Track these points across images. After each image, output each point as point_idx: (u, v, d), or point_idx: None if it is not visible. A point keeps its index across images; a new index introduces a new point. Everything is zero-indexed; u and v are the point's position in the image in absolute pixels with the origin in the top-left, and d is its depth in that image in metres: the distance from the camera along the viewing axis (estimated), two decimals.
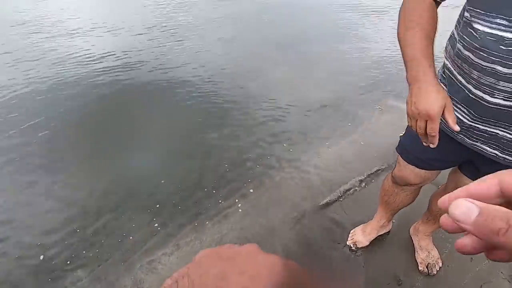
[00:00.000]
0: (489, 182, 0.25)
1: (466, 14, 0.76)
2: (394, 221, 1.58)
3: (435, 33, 0.80)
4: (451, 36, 0.87)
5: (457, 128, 0.72)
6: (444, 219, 0.26)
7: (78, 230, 1.68)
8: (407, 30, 0.79)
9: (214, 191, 1.90)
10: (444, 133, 0.93)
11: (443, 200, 0.26)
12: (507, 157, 0.82)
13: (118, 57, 3.64)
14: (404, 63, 0.79)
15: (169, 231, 1.67)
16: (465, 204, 0.23)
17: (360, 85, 3.08)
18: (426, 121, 0.72)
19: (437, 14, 0.81)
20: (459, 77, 0.81)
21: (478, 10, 0.73)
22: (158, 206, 1.81)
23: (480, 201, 0.23)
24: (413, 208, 1.45)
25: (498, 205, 0.23)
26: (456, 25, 0.83)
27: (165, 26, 4.55)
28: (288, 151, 2.22)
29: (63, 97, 2.86)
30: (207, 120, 2.58)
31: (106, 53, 3.70)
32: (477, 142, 0.85)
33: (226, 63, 3.51)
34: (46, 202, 1.84)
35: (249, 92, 2.99)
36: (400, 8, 0.85)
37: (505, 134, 0.77)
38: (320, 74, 3.32)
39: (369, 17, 4.98)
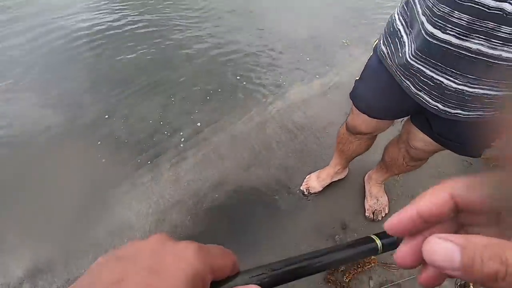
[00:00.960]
0: (440, 198, 0.22)
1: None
2: (350, 168, 1.57)
3: None
4: None
5: None
6: (424, 276, 0.22)
7: None
8: None
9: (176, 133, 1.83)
10: (394, 80, 0.84)
11: (390, 224, 0.23)
12: (448, 109, 0.74)
13: None
14: None
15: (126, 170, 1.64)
16: (442, 245, 0.19)
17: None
18: None
19: None
20: (417, 6, 0.70)
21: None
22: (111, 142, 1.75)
23: (433, 220, 0.22)
24: (371, 156, 1.42)
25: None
26: None
27: None
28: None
29: None
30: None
31: None
32: (421, 91, 0.77)
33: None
34: None
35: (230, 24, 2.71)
36: None
37: (450, 83, 0.68)
38: None
39: None
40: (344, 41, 2.64)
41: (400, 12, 0.82)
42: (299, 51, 2.53)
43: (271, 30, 2.78)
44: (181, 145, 1.78)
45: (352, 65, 2.41)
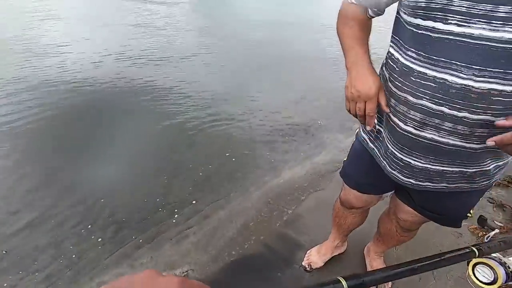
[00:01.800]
0: None
1: (391, 41, 0.81)
2: (349, 241, 1.62)
3: (369, 31, 0.88)
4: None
5: (387, 109, 0.79)
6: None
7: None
8: (345, 26, 0.87)
9: (175, 211, 1.90)
10: (375, 160, 1.00)
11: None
12: (420, 183, 0.87)
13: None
14: (344, 52, 0.86)
15: (125, 251, 1.64)
16: None
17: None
18: (365, 102, 0.78)
19: (371, 21, 0.88)
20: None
21: (397, 38, 0.78)
22: (113, 223, 1.78)
23: None
24: (369, 229, 1.50)
25: None
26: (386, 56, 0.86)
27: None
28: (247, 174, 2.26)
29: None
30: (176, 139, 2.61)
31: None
32: (394, 170, 0.90)
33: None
34: None
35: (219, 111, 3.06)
36: (339, 11, 0.91)
37: (416, 163, 0.82)
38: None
39: None
40: (320, 122, 2.99)
41: None
42: (290, 135, 2.82)
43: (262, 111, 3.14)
44: (179, 224, 1.82)
45: (339, 147, 2.70)
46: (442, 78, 0.66)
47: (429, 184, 0.87)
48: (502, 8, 0.57)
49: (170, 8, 7.60)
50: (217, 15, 7.73)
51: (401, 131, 0.79)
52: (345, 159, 1.21)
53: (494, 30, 0.58)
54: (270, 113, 3.14)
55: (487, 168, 0.81)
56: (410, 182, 0.88)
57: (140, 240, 1.71)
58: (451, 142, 0.72)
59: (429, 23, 0.65)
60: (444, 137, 0.72)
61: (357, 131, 1.14)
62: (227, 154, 2.46)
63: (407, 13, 0.71)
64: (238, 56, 4.73)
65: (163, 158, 2.39)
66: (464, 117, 0.67)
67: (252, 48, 5.11)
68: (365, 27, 0.86)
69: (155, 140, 2.62)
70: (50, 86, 3.32)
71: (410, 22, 0.70)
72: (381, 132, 0.92)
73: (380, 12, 0.85)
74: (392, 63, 0.79)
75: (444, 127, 0.70)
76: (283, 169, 2.36)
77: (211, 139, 2.65)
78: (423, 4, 0.65)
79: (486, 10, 0.58)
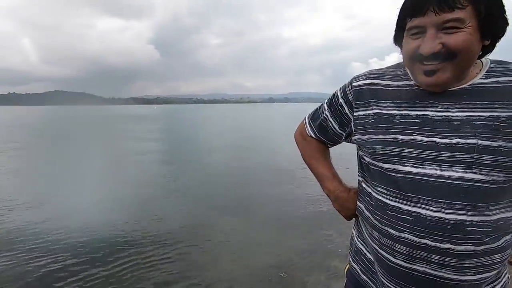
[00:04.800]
0: None
1: (359, 175, 0.86)
2: None
3: (329, 154, 1.02)
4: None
5: None
6: None
7: None
8: (311, 158, 1.00)
9: None
10: None
11: None
12: None
13: None
14: (317, 179, 0.99)
15: None
16: None
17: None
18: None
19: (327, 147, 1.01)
20: (367, 236, 0.82)
21: (365, 174, 0.82)
22: None
23: None
24: None
25: None
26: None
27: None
28: None
29: None
30: None
31: None
32: None
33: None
34: None
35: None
36: (299, 134, 1.04)
37: None
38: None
39: None
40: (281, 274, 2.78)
41: (357, 236, 0.90)
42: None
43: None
44: None
45: None
46: (416, 212, 0.68)
47: None
48: (445, 153, 0.65)
49: None
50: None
51: (392, 264, 0.73)
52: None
53: (444, 170, 0.65)
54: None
55: None
56: None
57: None
58: (446, 275, 0.67)
59: (390, 166, 0.71)
60: (437, 270, 0.67)
61: (346, 267, 0.98)
62: None
63: (368, 157, 0.76)
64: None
65: None
66: (449, 249, 0.66)
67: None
68: (327, 153, 1.01)
69: None
70: None
71: (373, 163, 0.75)
72: (370, 259, 0.84)
73: (336, 144, 0.97)
74: (366, 197, 0.82)
75: (433, 260, 0.67)
76: None
77: None
78: (380, 151, 0.72)
79: (432, 155, 0.66)
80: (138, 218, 4.14)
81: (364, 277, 0.87)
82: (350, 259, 0.95)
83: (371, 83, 0.78)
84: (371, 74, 0.80)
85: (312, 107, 1.12)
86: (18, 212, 4.33)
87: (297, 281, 2.61)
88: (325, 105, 0.93)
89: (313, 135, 0.97)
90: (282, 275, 2.66)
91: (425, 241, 0.67)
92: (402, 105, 0.72)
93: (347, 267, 0.97)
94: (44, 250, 3.19)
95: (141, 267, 2.88)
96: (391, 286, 0.75)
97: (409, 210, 0.68)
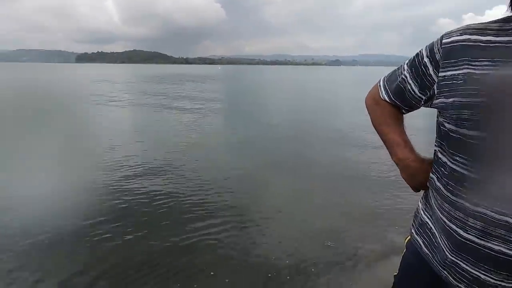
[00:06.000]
0: None
1: (436, 144, 0.81)
2: None
3: (403, 121, 0.94)
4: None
5: None
6: None
7: None
8: (382, 124, 0.93)
9: None
10: (433, 274, 0.82)
11: None
12: None
13: None
14: (386, 146, 0.93)
15: None
16: None
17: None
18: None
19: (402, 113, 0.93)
20: (435, 208, 0.79)
21: (442, 142, 0.76)
22: None
23: None
24: None
25: None
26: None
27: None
28: None
29: None
30: None
31: None
32: (461, 284, 0.73)
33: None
34: None
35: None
36: (371, 99, 0.96)
37: (487, 278, 0.67)
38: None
39: None
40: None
41: (424, 209, 0.87)
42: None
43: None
44: None
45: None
46: (500, 182, 0.61)
47: None
48: None
49: None
50: None
51: (462, 239, 0.69)
52: (395, 273, 0.99)
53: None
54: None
55: None
56: None
57: None
58: None
59: (475, 133, 0.65)
60: None
61: (407, 238, 0.96)
62: (211, 273, 2.30)
63: (450, 123, 0.71)
64: None
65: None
66: None
67: None
68: (401, 120, 0.93)
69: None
70: None
71: (455, 130, 0.69)
72: (435, 234, 0.80)
73: (413, 110, 0.89)
74: (440, 167, 0.78)
75: None
76: None
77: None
78: (466, 116, 0.65)
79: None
80: (196, 168, 4.56)
81: (426, 250, 0.84)
82: (413, 231, 0.92)
83: (467, 39, 0.68)
84: (468, 29, 0.69)
85: (384, 71, 1.04)
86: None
87: (347, 248, 2.62)
88: (405, 65, 0.85)
89: (387, 98, 0.90)
90: (329, 244, 2.69)
91: (507, 218, 0.61)
92: (504, 64, 0.62)
93: (408, 238, 0.95)
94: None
95: (192, 215, 3.19)
96: (457, 261, 0.72)
97: (489, 182, 0.63)
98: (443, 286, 0.80)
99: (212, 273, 2.24)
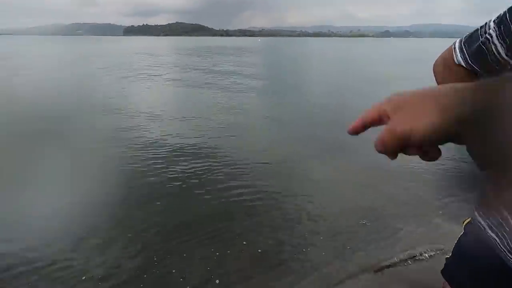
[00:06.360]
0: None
1: None
2: None
3: None
4: None
5: None
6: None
7: None
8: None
9: None
10: (497, 259, 0.74)
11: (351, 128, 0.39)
12: None
13: None
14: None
15: None
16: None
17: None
18: None
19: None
20: None
21: None
22: None
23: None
24: None
25: None
26: None
27: None
28: None
29: None
30: None
31: None
32: None
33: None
34: None
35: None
36: (434, 67, 0.85)
37: None
38: None
39: None
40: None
41: None
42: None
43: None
44: None
45: None
46: None
47: None
48: None
49: None
50: None
51: None
52: (447, 255, 0.92)
53: None
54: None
55: None
56: None
57: None
58: None
59: None
60: None
61: (465, 221, 0.90)
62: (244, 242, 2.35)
63: None
64: None
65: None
66: None
67: None
68: None
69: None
70: None
71: None
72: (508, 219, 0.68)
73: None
74: None
75: None
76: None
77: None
78: None
79: None
80: (232, 143, 4.63)
81: (492, 234, 0.76)
82: (477, 213, 0.83)
83: None
84: None
85: (443, 44, 0.90)
86: None
87: (388, 228, 2.53)
88: (491, 23, 0.72)
89: (463, 63, 0.77)
90: (365, 222, 2.61)
91: None
92: None
93: (468, 220, 0.89)
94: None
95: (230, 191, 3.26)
96: None
97: None
98: (509, 272, 0.73)
99: (244, 242, 2.31)
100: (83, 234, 2.37)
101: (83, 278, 1.95)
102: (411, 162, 3.89)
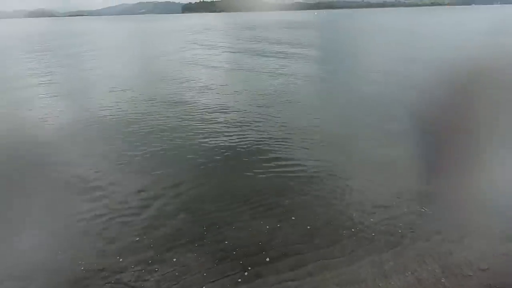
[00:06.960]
0: None
1: None
2: None
3: None
4: None
5: None
6: None
7: None
8: None
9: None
10: None
11: None
12: None
13: None
14: None
15: None
16: None
17: None
18: None
19: None
20: None
21: None
22: None
23: None
24: None
25: None
26: None
27: None
28: None
29: None
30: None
31: None
32: None
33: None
34: None
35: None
36: None
37: None
38: None
39: None
40: None
41: None
42: None
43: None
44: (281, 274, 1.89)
45: None
46: None
47: None
48: None
49: None
50: None
51: None
52: None
53: None
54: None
55: None
56: None
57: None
58: None
59: None
60: None
61: None
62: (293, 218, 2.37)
63: None
64: None
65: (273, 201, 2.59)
66: None
67: None
68: None
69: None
70: None
71: None
72: None
73: None
74: None
75: None
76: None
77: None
78: None
79: None
80: (282, 114, 4.67)
81: None
82: None
83: None
84: None
85: None
86: None
87: (446, 217, 2.36)
88: None
89: None
90: (424, 209, 2.45)
91: None
92: None
93: None
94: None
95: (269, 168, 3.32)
96: None
97: None
98: None
99: (293, 217, 2.37)
100: (145, 203, 2.67)
101: (144, 237, 2.24)
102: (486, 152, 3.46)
